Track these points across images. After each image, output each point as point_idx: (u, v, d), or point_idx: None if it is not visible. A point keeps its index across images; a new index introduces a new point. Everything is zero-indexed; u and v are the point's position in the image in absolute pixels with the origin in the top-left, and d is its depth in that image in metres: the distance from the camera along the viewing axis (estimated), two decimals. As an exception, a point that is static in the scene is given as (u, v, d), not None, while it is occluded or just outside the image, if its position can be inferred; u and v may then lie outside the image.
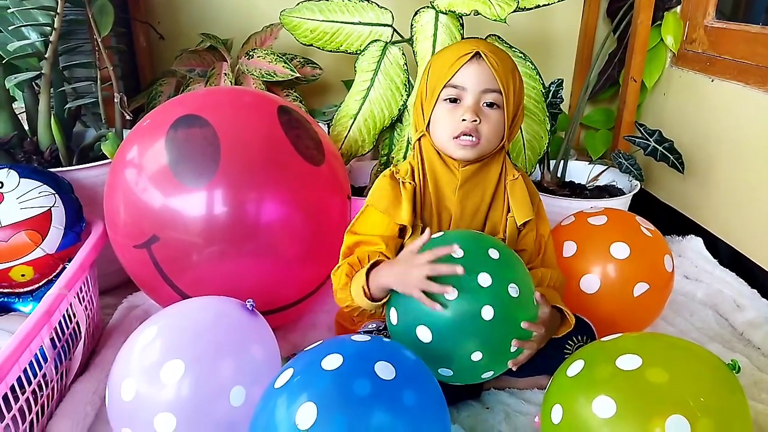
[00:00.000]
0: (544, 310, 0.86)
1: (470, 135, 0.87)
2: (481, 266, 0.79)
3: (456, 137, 0.88)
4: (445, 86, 0.88)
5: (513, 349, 0.82)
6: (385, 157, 1.37)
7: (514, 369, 0.84)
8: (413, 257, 0.81)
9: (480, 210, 0.95)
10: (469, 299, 0.77)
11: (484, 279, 0.78)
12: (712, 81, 1.43)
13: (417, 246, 0.81)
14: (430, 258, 0.78)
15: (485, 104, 0.88)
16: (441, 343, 0.79)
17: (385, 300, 0.86)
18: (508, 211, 0.95)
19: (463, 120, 0.87)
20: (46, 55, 1.20)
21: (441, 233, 0.86)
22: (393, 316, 0.84)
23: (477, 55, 0.87)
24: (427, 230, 0.82)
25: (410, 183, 0.92)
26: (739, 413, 0.68)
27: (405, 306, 0.82)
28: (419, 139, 0.94)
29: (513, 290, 0.79)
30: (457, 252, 0.79)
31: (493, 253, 0.81)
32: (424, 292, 0.78)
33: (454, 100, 0.88)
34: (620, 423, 0.66)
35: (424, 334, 0.79)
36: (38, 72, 1.21)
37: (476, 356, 0.79)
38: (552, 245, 1.00)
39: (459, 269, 0.77)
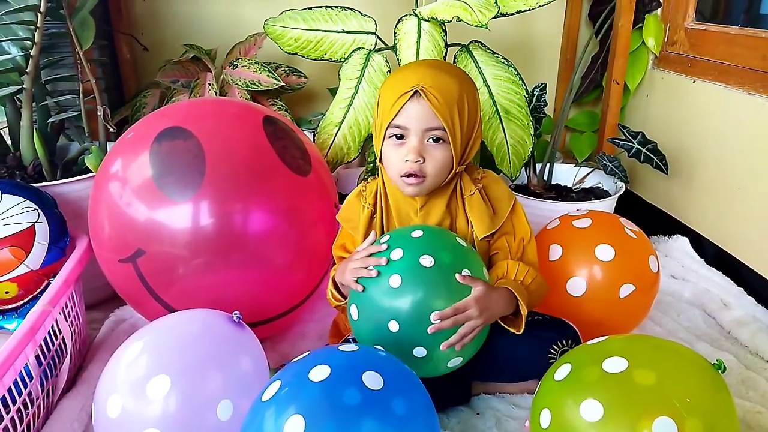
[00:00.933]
0: (478, 287, 0.83)
1: (414, 175, 0.89)
2: (398, 244, 0.86)
3: (402, 176, 0.90)
4: (389, 125, 0.89)
5: (452, 364, 0.85)
6: (372, 164, 1.38)
7: (443, 349, 0.82)
8: (355, 254, 0.90)
9: (444, 225, 0.96)
10: (382, 273, 0.84)
11: (396, 253, 0.85)
12: (694, 82, 1.45)
13: (360, 247, 0.91)
14: (360, 256, 0.87)
15: (431, 140, 0.89)
16: (365, 315, 0.86)
17: None
18: (471, 226, 0.95)
19: (407, 161, 0.89)
20: (27, 70, 1.19)
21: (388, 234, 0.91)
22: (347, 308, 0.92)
23: (416, 92, 0.86)
24: (371, 234, 0.92)
25: (368, 208, 0.97)
26: (726, 413, 0.68)
27: (350, 293, 0.90)
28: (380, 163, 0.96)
29: (426, 261, 0.82)
30: (383, 246, 0.86)
31: (416, 233, 0.87)
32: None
33: (400, 136, 0.90)
34: (608, 426, 0.66)
35: (354, 312, 0.88)
36: (20, 87, 1.20)
37: (393, 326, 0.81)
38: (533, 246, 0.98)
39: (382, 260, 0.84)
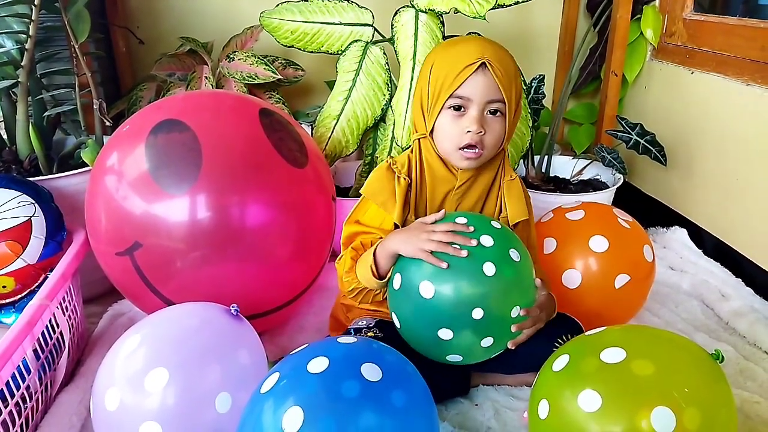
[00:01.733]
0: (542, 292, 0.89)
1: (475, 147, 0.89)
2: (484, 231, 0.84)
3: (461, 148, 0.89)
4: (451, 96, 0.88)
5: (514, 314, 0.84)
6: (370, 157, 1.37)
7: (512, 347, 0.87)
8: (423, 225, 0.86)
9: (474, 209, 0.97)
10: (472, 255, 0.81)
11: (487, 240, 0.82)
12: (692, 73, 1.44)
13: (429, 219, 0.87)
14: (442, 230, 0.83)
15: (488, 112, 0.89)
16: (443, 298, 0.81)
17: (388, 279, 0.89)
18: (500, 211, 0.97)
19: (468, 132, 0.88)
20: (22, 63, 1.18)
21: (447, 214, 0.89)
22: (396, 281, 0.86)
23: (483, 64, 0.86)
24: (442, 210, 0.87)
25: (405, 179, 0.93)
26: (724, 402, 0.68)
27: (409, 267, 0.84)
28: (419, 139, 0.95)
29: (514, 254, 0.83)
30: (469, 228, 0.84)
31: (496, 224, 0.87)
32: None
33: (458, 108, 0.89)
34: (606, 416, 0.66)
35: (426, 289, 0.81)
36: (15, 80, 1.20)
37: (477, 313, 0.80)
38: (536, 245, 1.03)
39: (463, 253, 0.81)
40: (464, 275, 0.81)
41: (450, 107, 0.89)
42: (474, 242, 0.81)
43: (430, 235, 0.83)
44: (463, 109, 0.89)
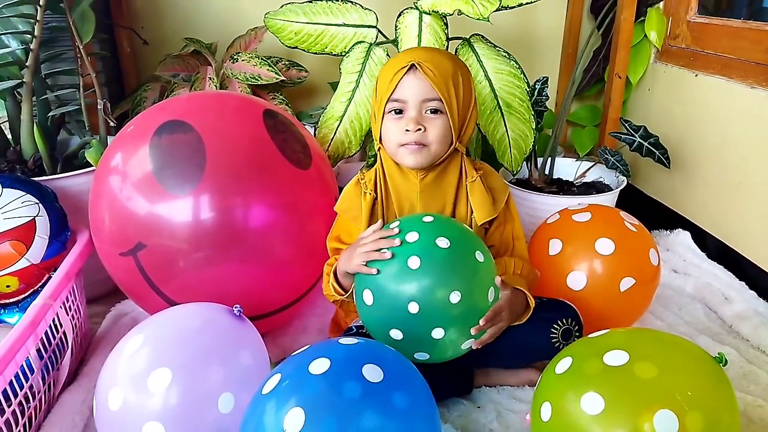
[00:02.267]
0: (505, 291, 0.88)
1: (417, 143, 0.91)
2: (411, 228, 0.86)
3: (402, 145, 0.92)
4: (388, 101, 0.92)
5: (465, 346, 0.85)
6: (372, 159, 1.37)
7: (477, 347, 0.87)
8: (358, 240, 0.89)
9: (446, 211, 0.98)
10: (398, 255, 0.83)
11: (412, 236, 0.84)
12: (696, 76, 1.44)
13: (365, 233, 0.90)
14: (370, 240, 0.86)
15: (428, 111, 0.91)
16: (380, 301, 0.84)
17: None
18: (471, 212, 0.97)
19: (407, 131, 0.90)
20: (27, 63, 1.19)
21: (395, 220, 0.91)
22: (354, 295, 0.90)
23: (413, 66, 0.90)
24: (379, 221, 0.91)
25: (371, 194, 0.97)
26: (727, 406, 0.68)
27: (357, 280, 0.89)
28: (380, 149, 0.97)
29: (442, 242, 0.83)
30: (395, 230, 0.86)
31: (427, 219, 0.87)
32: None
33: (399, 112, 0.92)
34: (609, 419, 0.66)
35: (368, 297, 0.85)
36: (20, 80, 1.20)
37: (413, 307, 0.80)
38: (522, 240, 1.02)
39: (396, 241, 0.84)
40: (392, 275, 0.83)
41: (390, 111, 0.93)
42: (397, 241, 0.84)
43: (361, 248, 0.86)
44: (402, 112, 0.92)
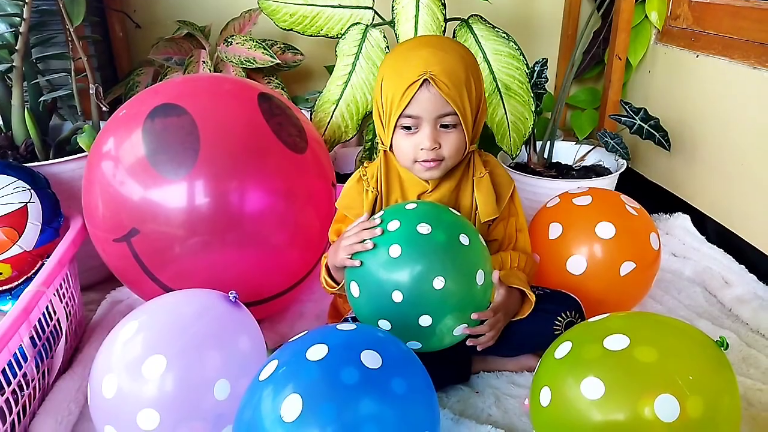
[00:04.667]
0: (500, 290, 0.87)
1: (433, 160, 0.89)
2: (393, 216, 0.84)
3: (417, 161, 0.90)
4: (400, 116, 0.87)
5: (458, 332, 0.84)
6: (370, 143, 1.36)
7: (479, 349, 0.88)
8: (342, 235, 0.88)
9: (450, 207, 0.94)
10: (380, 245, 0.82)
11: (393, 225, 0.83)
12: (697, 56, 1.42)
13: (350, 226, 0.88)
14: (352, 233, 0.85)
15: (441, 126, 0.88)
16: (366, 292, 0.83)
17: None
18: (476, 207, 0.95)
19: (422, 149, 0.88)
20: (16, 47, 1.16)
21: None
22: (345, 289, 0.90)
23: (426, 81, 0.84)
24: (364, 215, 0.90)
25: (373, 191, 0.94)
26: (728, 390, 0.67)
27: (346, 273, 0.88)
28: (386, 152, 0.94)
29: (423, 228, 0.81)
30: (376, 221, 0.85)
31: (410, 206, 0.86)
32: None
33: (409, 127, 0.88)
34: (609, 403, 0.66)
35: (354, 289, 0.84)
36: (9, 64, 1.18)
37: (397, 296, 0.80)
38: (525, 232, 1.00)
39: (377, 231, 0.82)
40: (375, 266, 0.82)
41: (402, 127, 0.88)
42: (378, 231, 0.82)
43: (345, 240, 0.85)
44: (415, 128, 0.88)
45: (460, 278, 0.81)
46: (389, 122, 0.89)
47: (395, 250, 0.80)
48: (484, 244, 0.87)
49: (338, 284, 0.92)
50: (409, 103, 0.86)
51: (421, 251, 0.80)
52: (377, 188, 0.95)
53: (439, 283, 0.79)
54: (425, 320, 0.81)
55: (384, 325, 0.83)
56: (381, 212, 0.87)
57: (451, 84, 0.85)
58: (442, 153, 0.88)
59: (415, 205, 0.86)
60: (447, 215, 0.86)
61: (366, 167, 0.98)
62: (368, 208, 0.94)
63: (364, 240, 0.83)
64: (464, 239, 0.82)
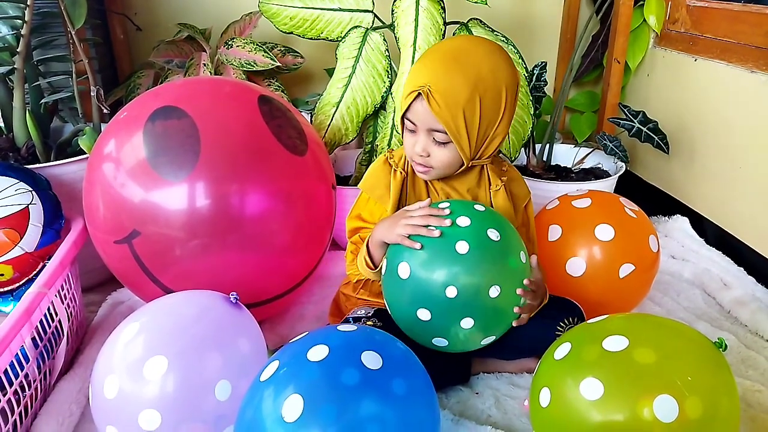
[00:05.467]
0: (537, 275, 0.88)
1: (422, 164, 0.90)
2: (463, 212, 0.83)
3: (413, 160, 0.92)
4: (403, 116, 0.90)
5: (485, 342, 0.84)
6: (370, 145, 1.36)
7: (514, 324, 0.86)
8: (404, 212, 0.87)
9: None
10: (446, 235, 0.81)
11: (463, 221, 0.82)
12: (695, 60, 1.43)
13: (412, 207, 0.87)
14: (418, 214, 0.83)
15: (434, 140, 0.89)
16: (417, 277, 0.81)
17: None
18: None
19: (416, 150, 0.90)
20: (18, 49, 1.17)
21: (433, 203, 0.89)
22: (384, 267, 0.88)
23: (421, 94, 0.85)
24: (428, 199, 0.88)
25: (401, 173, 0.95)
26: (727, 391, 0.68)
27: (391, 252, 0.86)
28: None
29: (493, 234, 0.81)
30: (446, 210, 0.84)
31: (479, 207, 0.86)
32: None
33: (411, 129, 0.90)
34: (608, 404, 0.66)
35: (403, 270, 0.82)
36: (11, 67, 1.18)
37: (451, 292, 0.79)
38: (535, 242, 1.02)
39: (447, 222, 0.82)
40: (437, 254, 0.81)
41: (406, 125, 0.91)
42: (448, 222, 0.82)
43: (408, 219, 0.84)
44: (414, 131, 0.90)
45: (511, 293, 0.82)
46: (398, 117, 0.92)
47: (462, 247, 0.80)
48: (529, 266, 0.88)
49: (376, 266, 0.91)
50: (408, 108, 0.88)
51: (488, 256, 0.81)
52: (404, 169, 0.95)
53: (494, 291, 0.80)
54: (467, 323, 0.82)
55: (423, 315, 0.82)
56: (447, 203, 0.86)
57: (443, 104, 0.84)
58: (431, 162, 0.90)
59: (483, 208, 0.86)
60: (511, 228, 0.86)
61: (392, 151, 0.99)
62: (396, 190, 0.94)
63: (429, 226, 0.82)
64: (522, 257, 0.84)
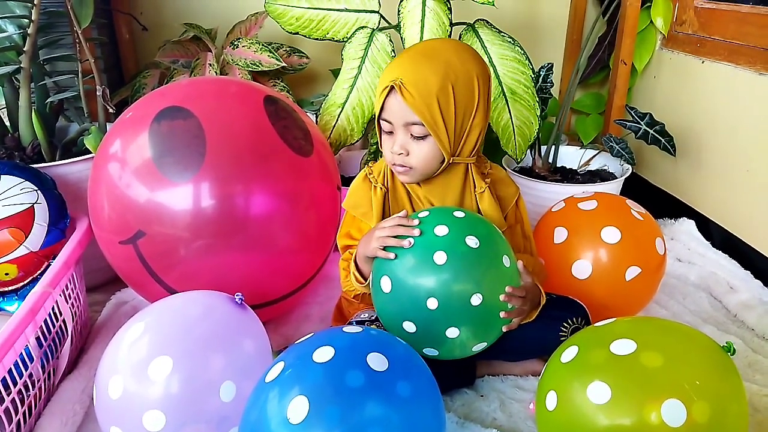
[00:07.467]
0: (526, 278, 0.86)
1: (402, 165, 0.89)
2: (441, 221, 0.83)
3: (393, 164, 0.91)
4: (379, 117, 0.89)
5: (476, 348, 0.83)
6: (375, 146, 1.36)
7: (504, 330, 0.85)
8: (377, 225, 0.87)
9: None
10: (423, 246, 0.81)
11: (441, 230, 0.81)
12: (703, 62, 1.42)
13: (386, 220, 0.87)
14: (389, 225, 0.84)
15: (411, 135, 0.88)
16: (398, 291, 0.81)
17: None
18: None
19: (393, 152, 0.89)
20: (24, 48, 1.17)
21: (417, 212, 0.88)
22: (371, 281, 0.88)
23: (394, 87, 0.85)
24: (404, 211, 0.86)
25: (381, 188, 0.94)
26: (735, 395, 0.67)
27: (375, 266, 0.86)
28: None
29: (472, 241, 0.80)
30: (414, 221, 0.83)
31: (458, 213, 0.85)
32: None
33: (388, 131, 0.90)
34: (615, 408, 0.66)
35: (385, 284, 0.82)
36: (17, 66, 1.18)
37: (432, 303, 0.79)
38: (531, 239, 1.01)
39: (416, 231, 0.81)
40: (415, 267, 0.80)
41: (383, 129, 0.90)
42: (417, 231, 0.81)
43: (380, 231, 0.84)
44: (391, 132, 0.89)
45: (496, 299, 0.81)
46: (376, 122, 0.91)
47: (440, 257, 0.79)
48: (517, 267, 0.86)
49: (366, 280, 0.90)
50: (382, 107, 0.88)
51: (467, 265, 0.80)
52: (384, 185, 0.95)
53: (476, 299, 0.79)
54: (452, 332, 0.81)
55: (408, 327, 0.82)
56: (426, 212, 0.86)
57: (417, 94, 0.84)
58: (410, 161, 0.89)
59: (463, 214, 0.85)
60: (493, 231, 0.85)
61: (371, 166, 0.98)
62: (378, 206, 0.94)
63: (400, 236, 0.82)
64: (506, 261, 0.83)
